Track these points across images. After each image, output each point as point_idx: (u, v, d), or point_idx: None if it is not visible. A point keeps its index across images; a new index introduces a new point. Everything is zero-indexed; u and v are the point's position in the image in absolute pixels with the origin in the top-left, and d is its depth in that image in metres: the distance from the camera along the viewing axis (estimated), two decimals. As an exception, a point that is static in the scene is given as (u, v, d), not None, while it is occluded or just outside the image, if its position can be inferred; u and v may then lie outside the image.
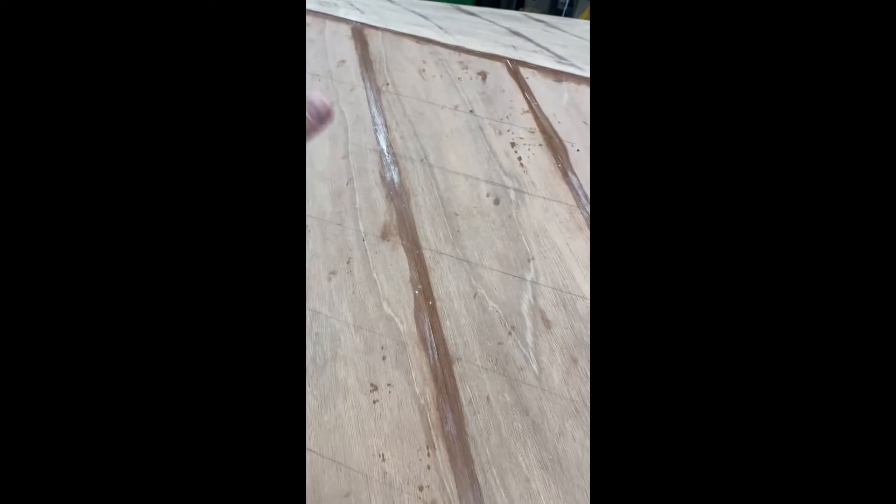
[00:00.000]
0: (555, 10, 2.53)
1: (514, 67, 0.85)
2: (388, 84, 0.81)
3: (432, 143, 0.73)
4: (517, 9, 2.67)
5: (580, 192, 0.69)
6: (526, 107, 0.78)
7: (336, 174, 0.69)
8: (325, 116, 0.37)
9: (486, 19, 1.34)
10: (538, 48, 1.01)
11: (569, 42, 1.15)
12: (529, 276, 0.59)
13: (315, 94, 0.38)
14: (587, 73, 0.85)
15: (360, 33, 0.89)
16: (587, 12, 2.78)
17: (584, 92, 0.82)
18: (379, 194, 0.67)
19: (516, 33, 1.15)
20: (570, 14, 2.89)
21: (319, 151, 0.72)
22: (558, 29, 1.35)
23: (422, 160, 0.71)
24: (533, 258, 0.61)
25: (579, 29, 1.41)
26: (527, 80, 0.83)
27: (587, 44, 1.17)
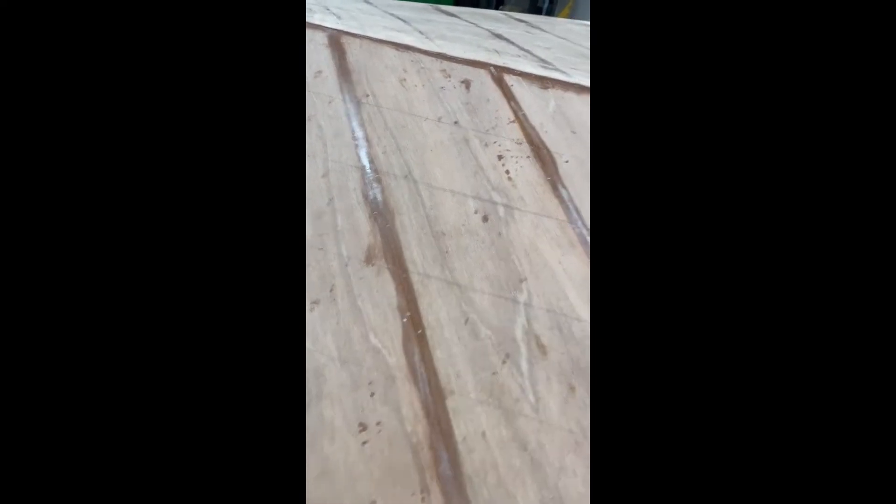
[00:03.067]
0: (535, 9, 2.50)
1: (499, 74, 0.82)
2: (367, 95, 0.77)
3: (416, 158, 0.70)
4: (496, 8, 2.64)
5: (571, 207, 0.67)
6: (512, 116, 0.75)
7: (315, 194, 0.65)
8: None
9: (466, 20, 1.31)
10: (521, 52, 0.98)
11: (552, 44, 1.13)
12: (522, 298, 0.57)
13: None
14: (573, 79, 0.83)
15: (337, 41, 0.85)
16: (567, 10, 2.76)
17: (571, 99, 0.80)
18: (362, 214, 0.64)
19: (498, 36, 1.12)
20: (550, 13, 2.87)
21: (297, 170, 0.68)
22: (540, 29, 1.33)
23: (406, 176, 0.68)
24: (525, 279, 0.58)
25: (561, 29, 1.39)
26: (512, 88, 0.80)
27: (570, 45, 1.15)
